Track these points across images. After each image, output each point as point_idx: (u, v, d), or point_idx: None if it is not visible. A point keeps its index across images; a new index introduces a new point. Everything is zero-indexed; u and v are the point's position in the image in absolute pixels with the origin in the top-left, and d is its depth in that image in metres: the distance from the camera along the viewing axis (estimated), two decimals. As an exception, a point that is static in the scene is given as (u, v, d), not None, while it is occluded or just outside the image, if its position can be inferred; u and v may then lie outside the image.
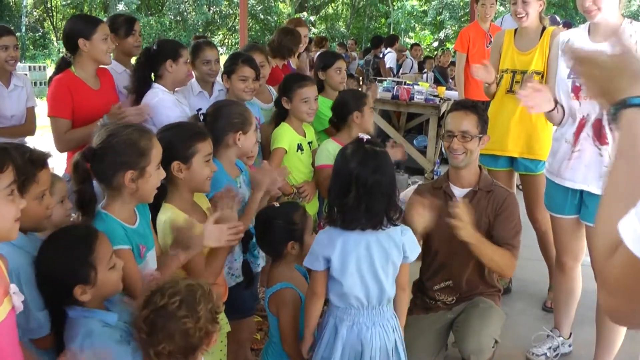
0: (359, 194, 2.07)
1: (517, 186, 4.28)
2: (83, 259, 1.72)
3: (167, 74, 3.28)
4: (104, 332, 1.72)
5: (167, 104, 3.18)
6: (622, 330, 2.93)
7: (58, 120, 3.15)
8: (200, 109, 2.76)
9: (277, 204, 2.58)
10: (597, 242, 1.00)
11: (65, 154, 3.28)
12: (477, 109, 2.85)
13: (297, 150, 3.36)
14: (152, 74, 3.33)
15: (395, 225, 2.16)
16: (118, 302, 1.85)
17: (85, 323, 1.72)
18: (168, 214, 2.26)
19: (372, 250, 2.14)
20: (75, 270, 1.71)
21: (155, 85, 3.27)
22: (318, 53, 5.57)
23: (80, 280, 1.71)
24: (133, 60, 3.85)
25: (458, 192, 2.84)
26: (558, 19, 7.52)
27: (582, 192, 2.89)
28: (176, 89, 3.41)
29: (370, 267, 2.14)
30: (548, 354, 3.21)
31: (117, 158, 1.95)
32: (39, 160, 1.76)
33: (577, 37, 2.88)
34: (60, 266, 1.70)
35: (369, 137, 2.18)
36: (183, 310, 1.64)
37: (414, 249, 2.22)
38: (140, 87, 3.28)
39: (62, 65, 3.26)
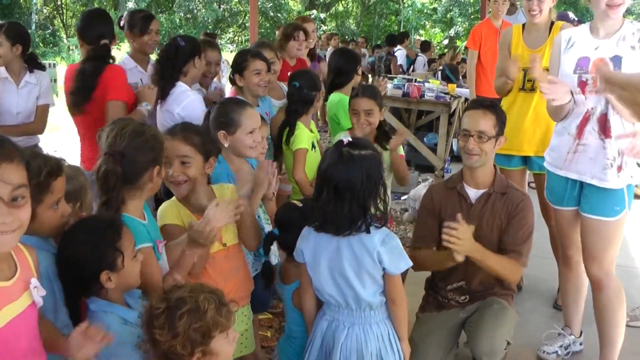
0: (328, 196, 2.04)
1: (529, 184, 4.25)
2: (111, 244, 1.72)
3: (192, 71, 3.30)
4: (122, 331, 1.72)
5: (198, 104, 3.20)
6: (622, 326, 2.93)
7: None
8: (215, 103, 2.76)
9: (298, 203, 2.54)
10: None
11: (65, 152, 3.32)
12: (496, 108, 2.77)
13: (312, 149, 3.37)
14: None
15: (369, 232, 2.04)
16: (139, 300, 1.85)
17: (104, 318, 1.72)
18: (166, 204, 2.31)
19: (343, 254, 2.08)
20: (103, 256, 1.71)
21: (179, 83, 3.26)
22: (334, 50, 5.54)
23: (107, 266, 1.71)
24: (152, 57, 3.87)
25: (472, 193, 2.80)
26: (571, 15, 7.41)
27: (582, 183, 2.87)
28: None
29: (341, 271, 2.09)
30: (559, 352, 3.20)
31: (149, 155, 1.96)
32: (54, 168, 1.71)
33: (580, 35, 2.86)
34: (88, 251, 1.70)
35: (350, 140, 2.11)
36: (160, 320, 1.57)
37: (397, 262, 2.07)
38: (168, 83, 3.25)
39: (106, 55, 3.33)
